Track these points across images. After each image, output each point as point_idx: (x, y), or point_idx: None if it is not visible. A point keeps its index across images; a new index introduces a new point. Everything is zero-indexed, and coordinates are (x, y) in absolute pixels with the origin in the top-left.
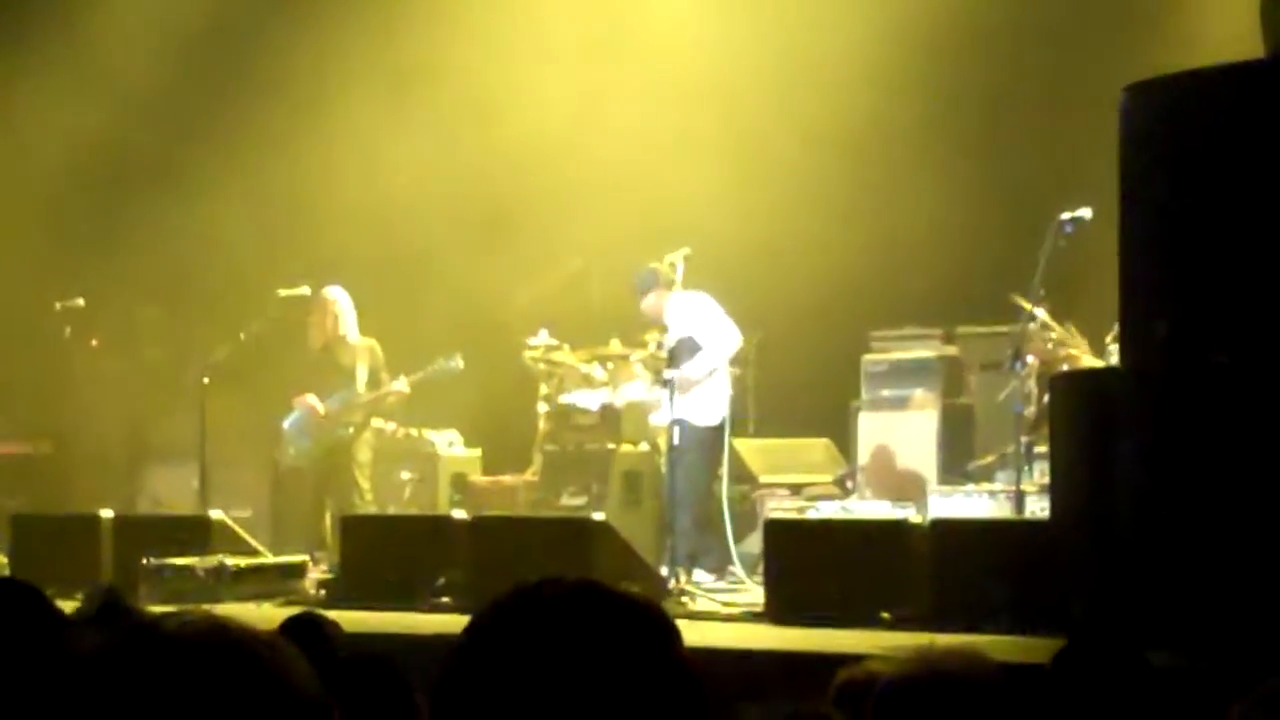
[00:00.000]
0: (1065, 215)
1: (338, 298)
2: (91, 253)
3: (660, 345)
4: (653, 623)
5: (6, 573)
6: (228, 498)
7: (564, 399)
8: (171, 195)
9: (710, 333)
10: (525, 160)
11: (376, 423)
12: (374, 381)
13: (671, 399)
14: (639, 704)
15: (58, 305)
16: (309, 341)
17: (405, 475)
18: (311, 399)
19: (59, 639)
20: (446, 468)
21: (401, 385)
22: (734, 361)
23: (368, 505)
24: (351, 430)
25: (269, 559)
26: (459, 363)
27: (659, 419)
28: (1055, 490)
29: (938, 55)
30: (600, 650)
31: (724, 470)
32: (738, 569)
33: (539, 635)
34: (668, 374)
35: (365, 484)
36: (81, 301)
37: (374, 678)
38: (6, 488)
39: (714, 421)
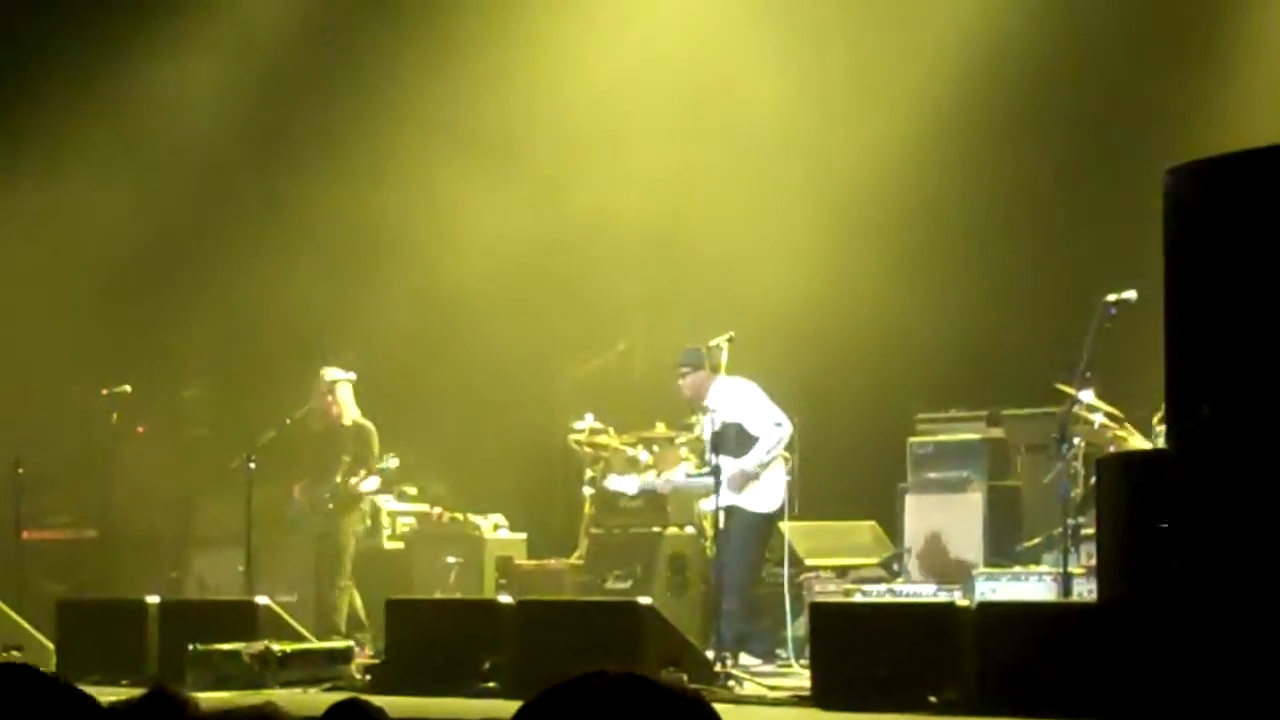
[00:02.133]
0: (1111, 297)
1: (335, 378)
2: (136, 338)
3: (703, 428)
4: (698, 716)
5: (53, 659)
6: (274, 582)
7: (608, 483)
8: (214, 277)
9: (762, 421)
10: (578, 239)
11: (418, 506)
12: (356, 467)
13: (718, 486)
14: None
15: (104, 391)
16: (310, 423)
17: (451, 559)
18: (297, 487)
19: None
20: (492, 551)
21: (371, 484)
22: (789, 448)
23: (347, 592)
24: (334, 520)
25: (315, 644)
26: (394, 462)
27: (708, 506)
28: (1102, 573)
29: (983, 138)
30: None
31: (785, 556)
32: (788, 653)
33: None
34: (716, 460)
35: (346, 568)
36: (128, 388)
37: None
38: (54, 574)
39: (769, 509)
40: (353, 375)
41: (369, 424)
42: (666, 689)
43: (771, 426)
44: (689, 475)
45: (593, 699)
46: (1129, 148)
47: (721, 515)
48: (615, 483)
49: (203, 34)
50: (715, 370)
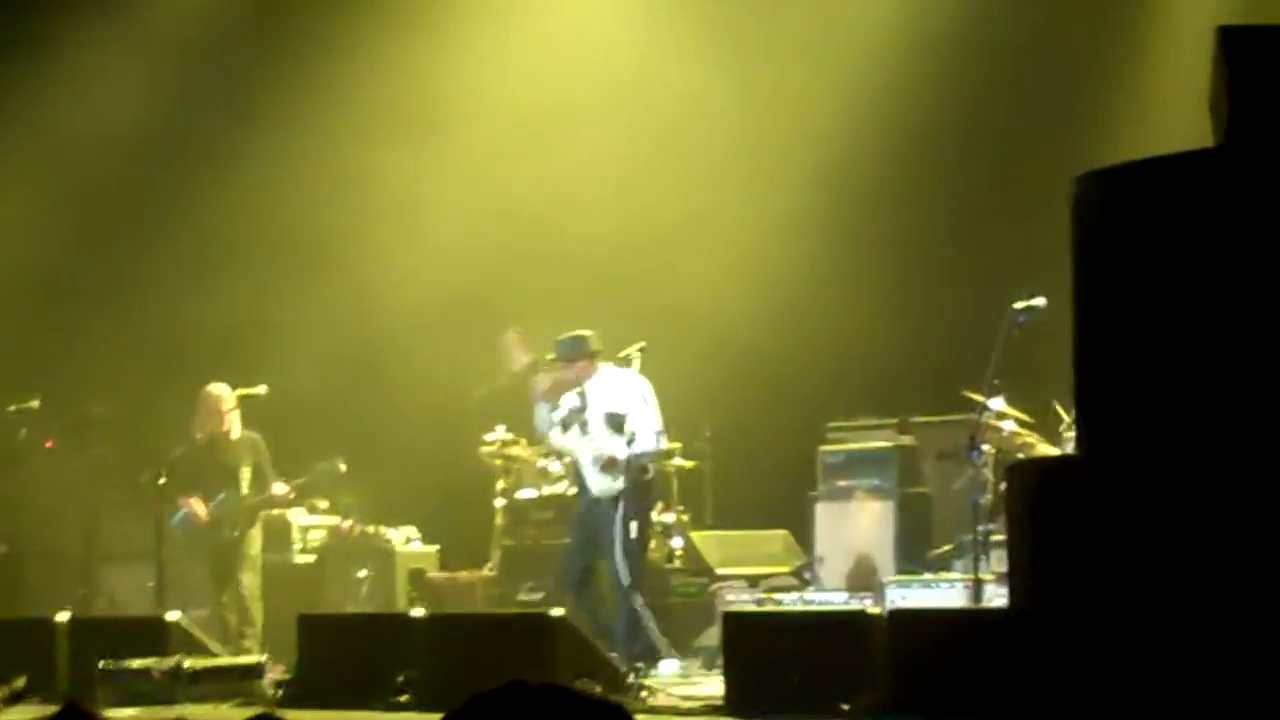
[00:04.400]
0: (1019, 304)
1: (222, 394)
2: (44, 352)
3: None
4: None
5: None
6: (184, 598)
7: (519, 494)
8: (125, 289)
9: (647, 423)
10: (508, 246)
11: (329, 519)
12: (259, 480)
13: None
14: None
15: (12, 407)
16: (196, 433)
17: (362, 573)
18: (194, 502)
19: None
20: (404, 564)
21: (281, 489)
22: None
23: (255, 603)
24: (237, 533)
25: (227, 659)
26: (339, 465)
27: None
28: (1013, 580)
29: (893, 143)
30: None
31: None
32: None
33: None
34: (609, 447)
35: (255, 582)
36: (36, 403)
37: None
38: None
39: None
40: (262, 389)
41: (257, 435)
42: (588, 698)
43: (655, 434)
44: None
45: (515, 709)
46: (1038, 153)
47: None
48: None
49: (115, 29)
50: (592, 358)
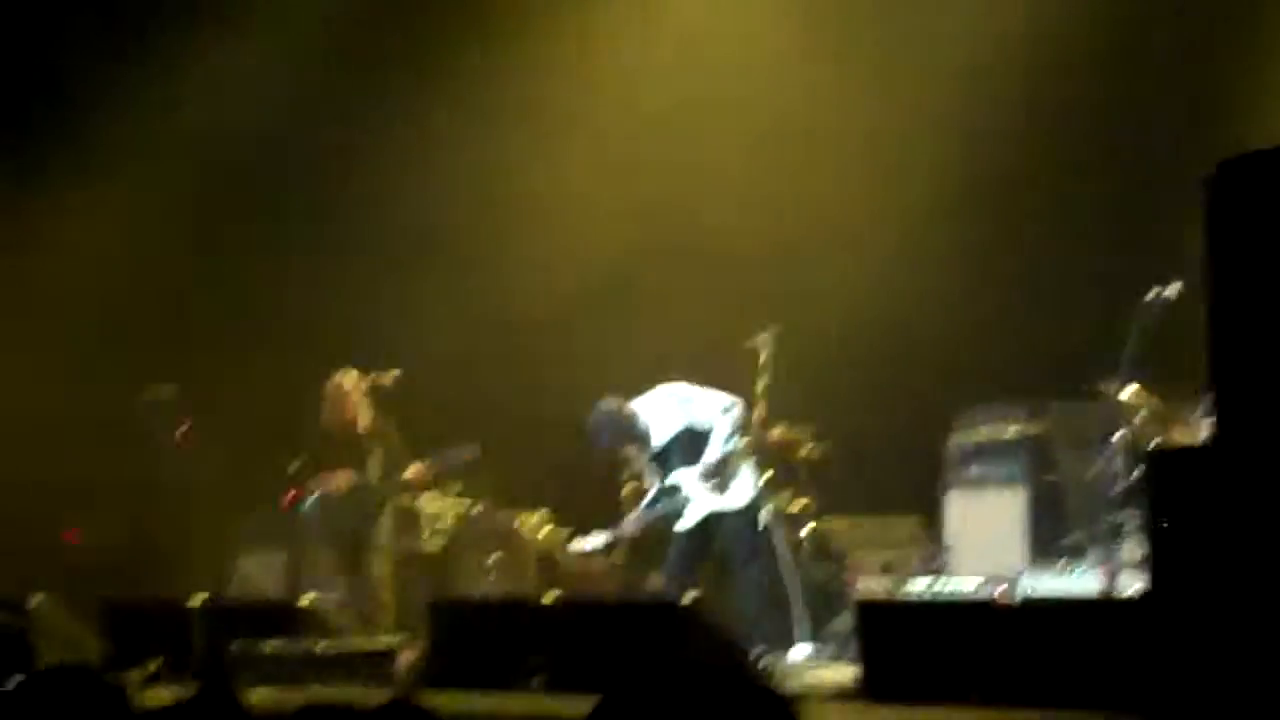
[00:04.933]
0: (1154, 292)
1: (353, 381)
2: (178, 341)
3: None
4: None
5: (99, 660)
6: (316, 582)
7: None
8: (258, 277)
9: (708, 412)
10: (640, 237)
11: (460, 504)
12: (390, 466)
13: (685, 502)
14: None
15: (146, 396)
16: (324, 423)
17: (493, 558)
18: (326, 487)
19: None
20: (534, 549)
21: (413, 474)
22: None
23: (387, 588)
24: (368, 519)
25: (358, 643)
26: (472, 451)
27: (685, 525)
28: (1148, 568)
29: (1026, 126)
30: None
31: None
32: (832, 649)
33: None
34: (670, 478)
35: (386, 567)
36: (170, 389)
37: None
38: (99, 577)
39: (750, 497)
40: (393, 375)
41: (388, 421)
42: (755, 685)
43: (720, 413)
44: (648, 506)
45: (680, 692)
46: (1178, 138)
47: (703, 529)
48: (580, 543)
49: (250, 32)
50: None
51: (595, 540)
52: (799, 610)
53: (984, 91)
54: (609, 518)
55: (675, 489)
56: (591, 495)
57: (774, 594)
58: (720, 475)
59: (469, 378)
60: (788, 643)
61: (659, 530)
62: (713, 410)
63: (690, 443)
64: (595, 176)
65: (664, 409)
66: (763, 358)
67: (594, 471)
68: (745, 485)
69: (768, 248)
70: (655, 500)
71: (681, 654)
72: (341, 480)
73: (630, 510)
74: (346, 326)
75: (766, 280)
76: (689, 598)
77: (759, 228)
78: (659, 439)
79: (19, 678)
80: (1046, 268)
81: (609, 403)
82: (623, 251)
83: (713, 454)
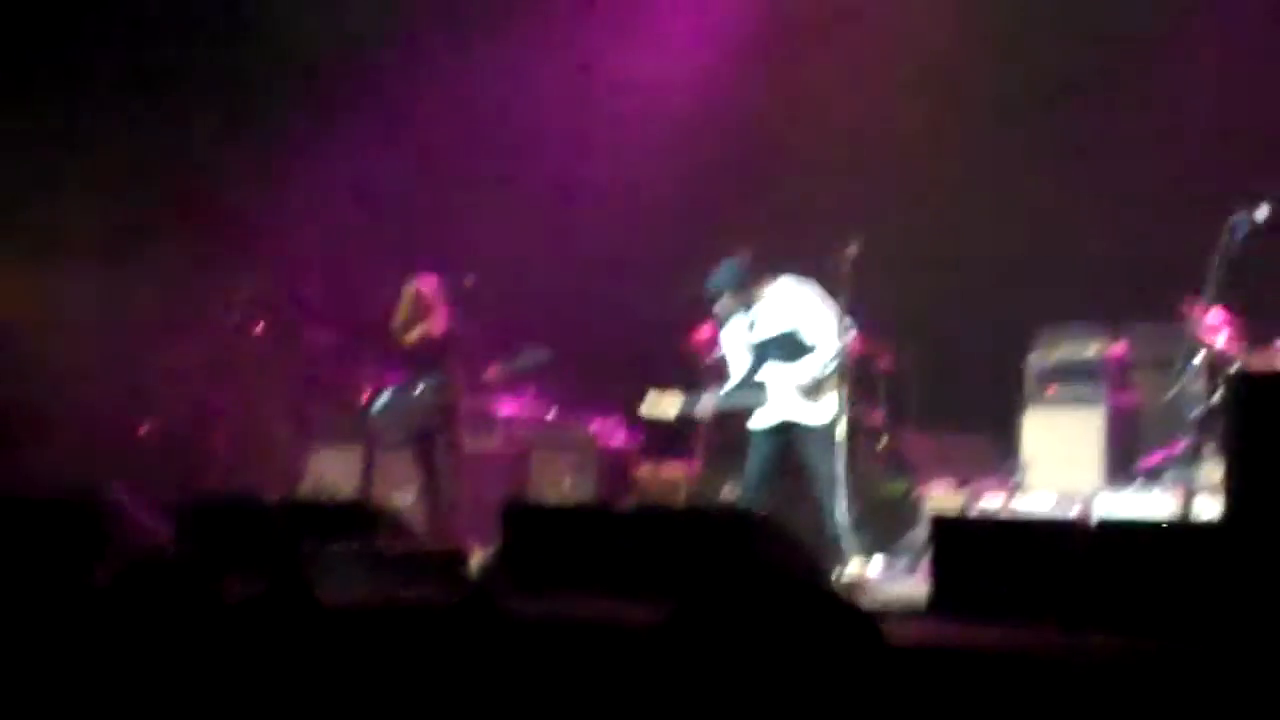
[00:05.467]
0: (1240, 213)
1: (429, 284)
2: (252, 237)
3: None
4: (860, 619)
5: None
6: (390, 483)
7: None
8: (334, 180)
9: (821, 329)
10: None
11: (534, 409)
12: (465, 368)
13: (765, 399)
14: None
15: (223, 290)
16: (401, 325)
17: (566, 463)
18: (399, 388)
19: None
20: (607, 455)
21: (489, 377)
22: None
23: (458, 490)
24: (442, 421)
25: (430, 545)
26: (545, 354)
27: (760, 424)
28: (1226, 492)
29: (1111, 40)
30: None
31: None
32: (904, 564)
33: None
34: (769, 374)
35: (457, 468)
36: (247, 289)
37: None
38: (173, 473)
39: (829, 418)
40: (470, 279)
41: (463, 324)
42: (833, 597)
43: (833, 334)
44: (729, 393)
45: (759, 603)
46: (1264, 60)
47: (782, 437)
48: (650, 407)
49: None
50: (756, 283)
51: (669, 403)
52: (872, 526)
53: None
54: (682, 432)
55: (761, 385)
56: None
57: (848, 509)
58: (811, 391)
59: (542, 284)
60: (860, 558)
61: (735, 438)
62: (826, 329)
63: (791, 346)
64: (675, 90)
65: (783, 302)
66: (845, 270)
67: (669, 385)
68: (830, 403)
69: (850, 163)
70: (738, 388)
71: (755, 565)
72: (417, 381)
73: (702, 427)
74: (422, 227)
75: (849, 194)
76: (764, 508)
77: (841, 142)
78: (765, 330)
79: (98, 567)
80: (1132, 186)
81: (744, 259)
82: (704, 167)
83: (811, 370)
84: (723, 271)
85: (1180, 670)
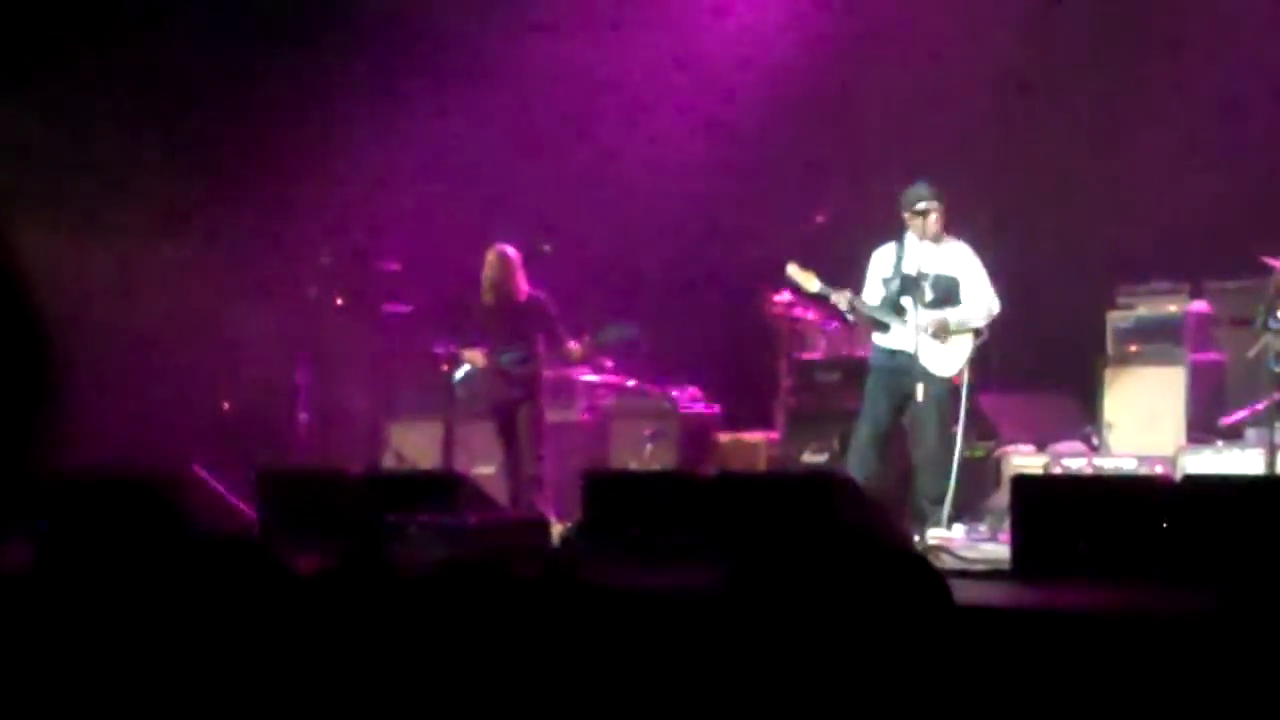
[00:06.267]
0: None
1: (509, 253)
2: (334, 211)
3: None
4: (928, 576)
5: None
6: (471, 454)
7: (806, 355)
8: (408, 142)
9: (981, 291)
10: (777, 115)
11: (614, 378)
12: (548, 339)
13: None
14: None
15: (302, 263)
16: (483, 297)
17: (647, 431)
18: (480, 358)
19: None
20: (688, 424)
21: (572, 347)
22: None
23: (540, 460)
24: (524, 391)
25: (513, 516)
26: (633, 331)
27: (887, 341)
28: None
29: (1176, 9)
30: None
31: (958, 429)
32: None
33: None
34: (911, 306)
35: (540, 439)
36: (327, 260)
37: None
38: (253, 445)
39: (952, 373)
40: (548, 248)
41: (544, 294)
42: (900, 553)
43: (987, 304)
44: (868, 301)
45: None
46: None
47: (895, 373)
48: (794, 274)
49: None
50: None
51: (809, 279)
52: (958, 485)
53: None
54: (762, 398)
55: (901, 311)
56: (744, 374)
57: (947, 467)
58: (943, 337)
59: (622, 252)
60: (947, 516)
61: (816, 408)
62: (984, 292)
63: (945, 292)
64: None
65: (954, 253)
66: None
67: (748, 352)
68: (955, 360)
69: (926, 129)
70: (879, 305)
71: (833, 526)
72: (499, 352)
73: (782, 394)
74: (502, 198)
75: (922, 152)
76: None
77: (919, 106)
78: (926, 266)
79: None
80: (1208, 141)
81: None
82: (781, 130)
83: (956, 317)
84: (919, 186)
85: (1265, 626)
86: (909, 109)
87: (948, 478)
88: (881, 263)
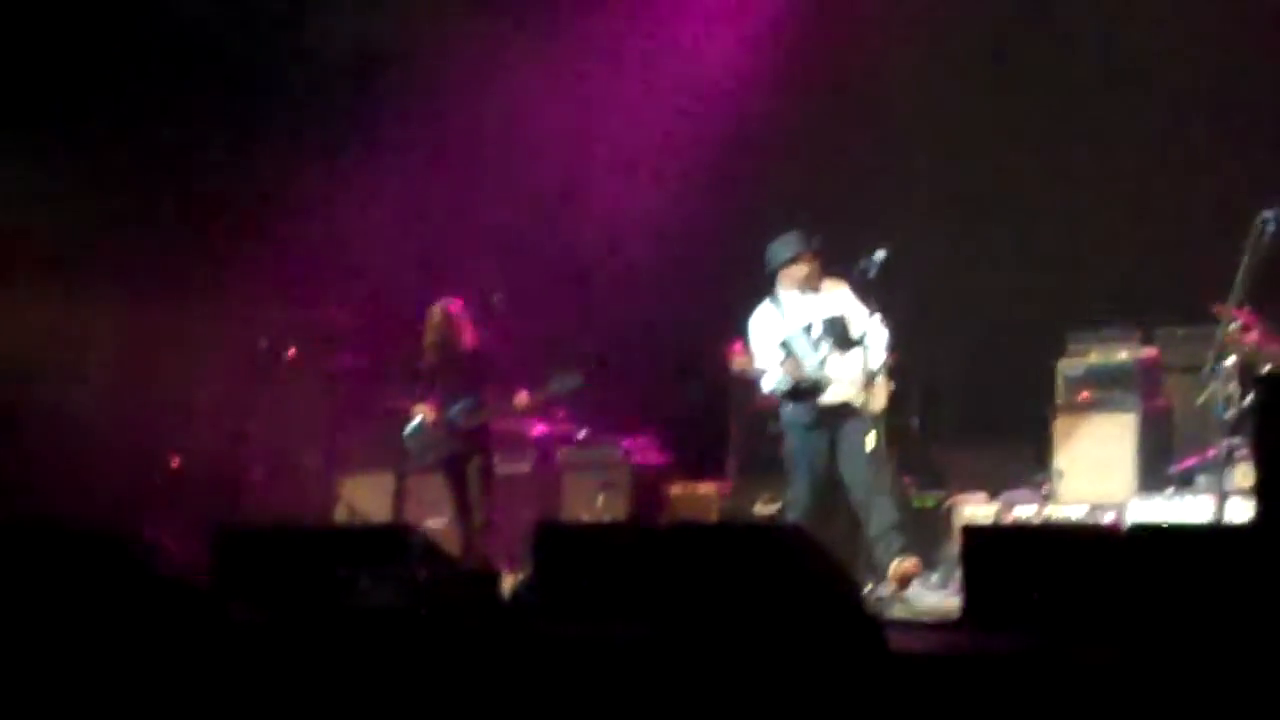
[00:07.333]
0: (1268, 213)
1: (457, 305)
2: (282, 265)
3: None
4: (866, 625)
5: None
6: (422, 507)
7: (755, 406)
8: (356, 201)
9: (865, 320)
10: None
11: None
12: (495, 390)
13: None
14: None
15: (252, 318)
16: (427, 356)
17: (597, 482)
18: (429, 411)
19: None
20: (639, 476)
21: (520, 400)
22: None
23: (490, 512)
24: (472, 444)
25: (464, 568)
26: (578, 377)
27: (826, 397)
28: (1258, 495)
29: (1138, 50)
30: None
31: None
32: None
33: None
34: (829, 356)
35: (490, 491)
36: (277, 314)
37: None
38: (204, 501)
39: (882, 407)
40: (497, 298)
41: (493, 345)
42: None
43: (879, 323)
44: (803, 344)
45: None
46: None
47: (828, 426)
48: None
49: None
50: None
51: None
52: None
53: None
54: (713, 449)
55: (822, 363)
56: (694, 425)
57: (892, 493)
58: (866, 381)
59: (571, 302)
60: (897, 562)
61: (766, 458)
62: (871, 319)
63: (843, 336)
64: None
65: (836, 293)
66: (872, 275)
67: (698, 403)
68: (881, 397)
69: (878, 171)
70: (802, 345)
71: (781, 578)
72: (448, 405)
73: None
74: (456, 248)
75: (877, 198)
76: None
77: (874, 143)
78: (816, 315)
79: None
80: (1159, 189)
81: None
82: (737, 182)
83: (873, 359)
84: (790, 240)
85: (1214, 675)
86: (862, 157)
87: (897, 507)
88: (764, 325)
